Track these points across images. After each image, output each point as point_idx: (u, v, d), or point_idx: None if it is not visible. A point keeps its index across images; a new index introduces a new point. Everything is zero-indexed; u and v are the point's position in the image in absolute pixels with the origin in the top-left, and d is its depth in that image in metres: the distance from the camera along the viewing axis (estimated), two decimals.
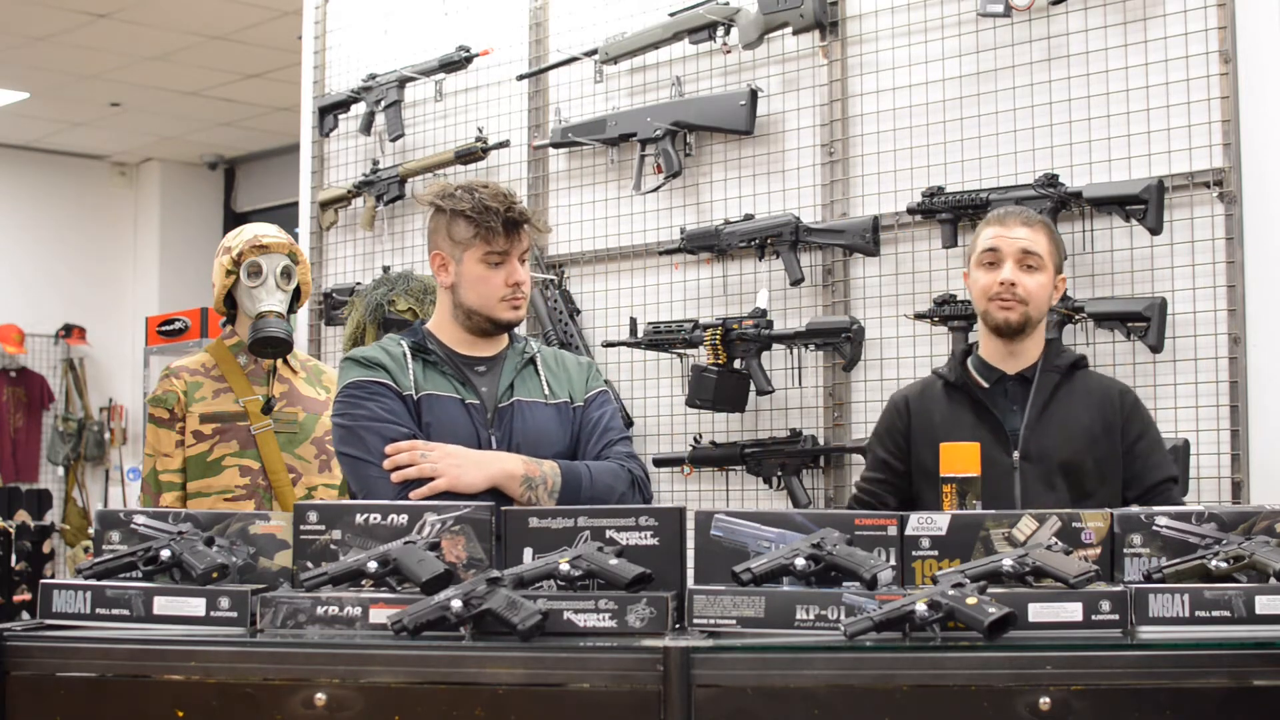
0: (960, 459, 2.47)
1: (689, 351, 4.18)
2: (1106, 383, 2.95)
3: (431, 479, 2.56)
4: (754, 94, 4.11)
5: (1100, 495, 2.74)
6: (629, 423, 4.26)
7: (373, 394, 2.65)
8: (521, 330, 2.88)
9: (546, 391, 2.76)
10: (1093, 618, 1.97)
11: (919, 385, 3.02)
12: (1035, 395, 2.84)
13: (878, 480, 2.95)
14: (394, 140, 4.98)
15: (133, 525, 2.30)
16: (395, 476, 2.58)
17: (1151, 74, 3.52)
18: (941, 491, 2.48)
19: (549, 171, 4.65)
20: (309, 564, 2.22)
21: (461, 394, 2.70)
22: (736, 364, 4.05)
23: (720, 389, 4.03)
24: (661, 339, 4.16)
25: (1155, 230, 3.43)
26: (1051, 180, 3.55)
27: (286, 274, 3.31)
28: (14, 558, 2.56)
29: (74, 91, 8.63)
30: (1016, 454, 2.80)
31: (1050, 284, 2.85)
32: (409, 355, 2.71)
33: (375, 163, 5.08)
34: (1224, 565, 2.02)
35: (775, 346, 4.04)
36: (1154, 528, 2.10)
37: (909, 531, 2.14)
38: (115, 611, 2.17)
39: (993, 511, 2.18)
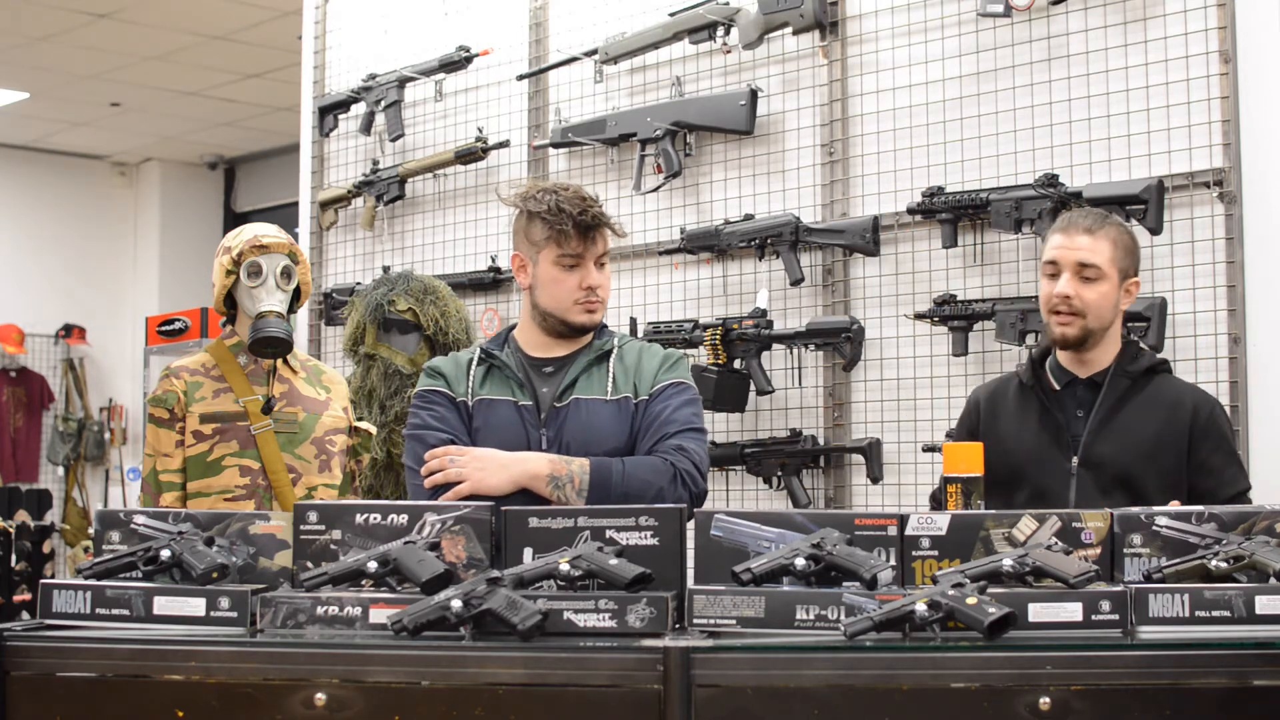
0: (963, 459, 2.47)
1: (689, 351, 4.17)
2: (1182, 392, 2.85)
3: (459, 483, 2.58)
4: (754, 94, 4.11)
5: None
6: None
7: (428, 403, 2.75)
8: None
9: (610, 387, 2.72)
10: (1093, 618, 1.96)
11: (998, 382, 2.99)
12: (1101, 402, 2.79)
13: None
14: (394, 140, 4.98)
15: (133, 525, 2.30)
16: (426, 482, 2.62)
17: (1151, 74, 3.52)
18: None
19: (549, 171, 4.65)
20: (309, 564, 2.23)
21: (517, 396, 2.71)
22: (736, 364, 4.05)
23: (720, 389, 4.03)
24: (661, 339, 4.15)
25: (1155, 230, 3.43)
26: (1051, 180, 3.55)
27: (286, 274, 3.30)
28: (14, 558, 2.57)
29: (74, 91, 8.63)
30: (1075, 460, 2.77)
31: (1114, 292, 2.79)
32: (475, 361, 2.76)
33: (375, 163, 5.08)
34: (1224, 565, 2.02)
35: (775, 346, 4.04)
36: (1154, 528, 2.10)
37: (909, 531, 2.13)
38: (115, 611, 2.17)
39: (993, 512, 2.18)
